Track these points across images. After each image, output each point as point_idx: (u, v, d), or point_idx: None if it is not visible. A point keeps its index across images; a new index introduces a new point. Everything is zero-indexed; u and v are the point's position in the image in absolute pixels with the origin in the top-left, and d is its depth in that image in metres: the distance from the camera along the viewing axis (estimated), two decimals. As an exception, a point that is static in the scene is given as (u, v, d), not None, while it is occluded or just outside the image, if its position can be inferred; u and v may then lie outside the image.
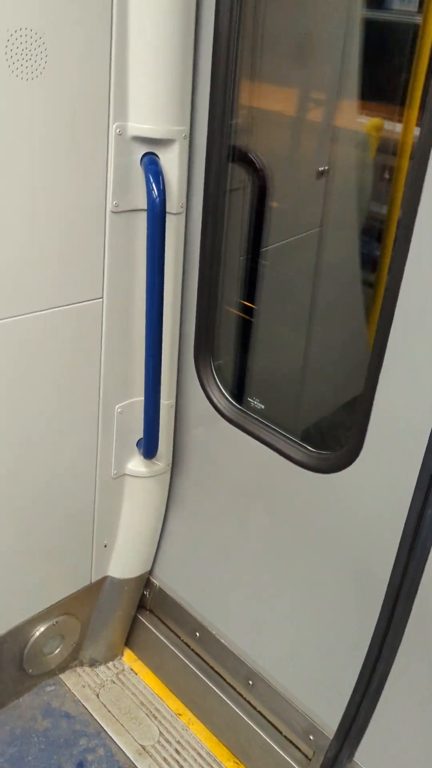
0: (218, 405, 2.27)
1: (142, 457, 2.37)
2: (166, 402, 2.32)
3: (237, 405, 2.26)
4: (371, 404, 1.81)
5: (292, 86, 2.35)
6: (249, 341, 2.49)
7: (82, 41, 1.68)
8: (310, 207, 2.67)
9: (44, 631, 2.47)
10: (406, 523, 1.83)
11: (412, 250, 1.59)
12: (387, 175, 3.39)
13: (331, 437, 2.30)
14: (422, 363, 1.67)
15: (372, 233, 3.35)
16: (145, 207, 1.94)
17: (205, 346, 2.27)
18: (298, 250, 2.69)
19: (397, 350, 1.71)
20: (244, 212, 2.35)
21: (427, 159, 1.46)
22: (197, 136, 1.97)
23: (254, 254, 2.46)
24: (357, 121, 2.93)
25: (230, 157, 2.06)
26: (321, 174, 2.61)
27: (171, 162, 1.95)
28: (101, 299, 2.05)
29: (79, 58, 1.70)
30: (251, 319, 2.48)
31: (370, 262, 3.27)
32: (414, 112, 2.90)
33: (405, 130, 2.97)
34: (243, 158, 2.18)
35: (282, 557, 2.24)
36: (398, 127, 3.04)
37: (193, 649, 2.60)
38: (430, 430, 1.69)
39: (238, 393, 2.38)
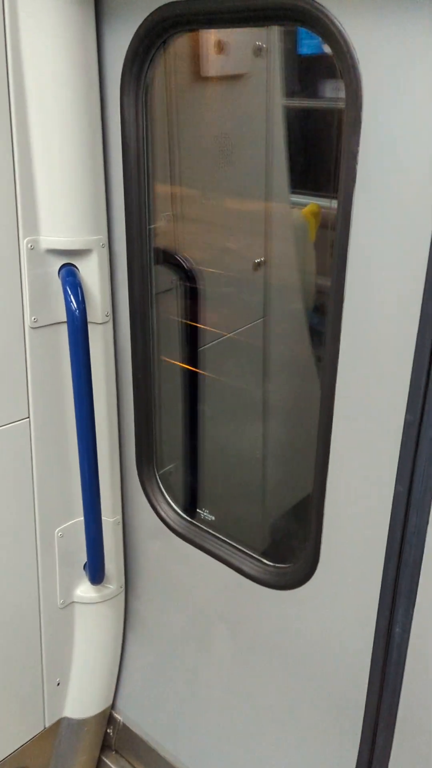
0: (167, 519, 2.11)
1: (90, 582, 2.17)
2: (111, 519, 2.15)
3: (186, 518, 2.09)
4: (322, 514, 1.66)
5: (215, 183, 2.32)
6: (195, 446, 2.35)
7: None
8: (251, 299, 2.61)
9: (-6, 791, 2.19)
10: (375, 639, 1.65)
11: (342, 345, 1.48)
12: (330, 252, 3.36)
13: (290, 547, 2.12)
14: (368, 466, 1.54)
15: (322, 311, 3.30)
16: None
17: (147, 457, 2.12)
18: (242, 344, 2.60)
19: (341, 457, 1.58)
20: (178, 312, 2.26)
21: (348, 233, 1.39)
22: (117, 243, 1.89)
23: (192, 353, 2.36)
24: (291, 209, 2.93)
25: (154, 260, 1.98)
26: (258, 265, 2.55)
27: (91, 271, 1.86)
28: (27, 419, 1.91)
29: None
30: (196, 422, 2.35)
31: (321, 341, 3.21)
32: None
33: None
34: (169, 260, 2.11)
35: (253, 683, 2.03)
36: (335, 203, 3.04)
37: (165, 793, 2.32)
38: (386, 537, 1.54)
39: (189, 503, 2.22)
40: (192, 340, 2.30)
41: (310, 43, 2.73)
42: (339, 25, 1.28)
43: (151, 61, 1.71)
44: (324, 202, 3.47)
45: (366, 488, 1.55)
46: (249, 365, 2.69)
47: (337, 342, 1.48)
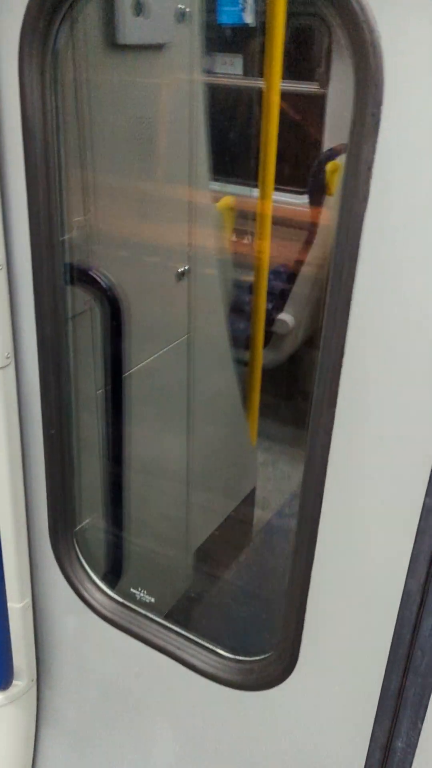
0: (87, 597, 1.70)
1: (-6, 682, 1.73)
2: (19, 605, 1.71)
3: (111, 595, 1.69)
4: (305, 602, 1.34)
5: (135, 180, 1.90)
6: (121, 500, 1.95)
7: None
8: (175, 313, 2.22)
9: None
10: (369, 753, 1.36)
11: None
12: (249, 241, 3.07)
13: (256, 631, 1.79)
14: (371, 555, 1.23)
15: (243, 310, 3.00)
16: None
17: (63, 523, 1.70)
18: (166, 366, 2.21)
19: (333, 536, 1.26)
20: (95, 338, 1.84)
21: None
22: (18, 263, 1.44)
23: (115, 383, 1.95)
24: (213, 206, 2.56)
25: (68, 279, 1.55)
26: (182, 275, 2.17)
27: (-16, 300, 1.41)
28: None
29: None
30: (120, 467, 1.94)
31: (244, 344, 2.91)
32: (270, 178, 2.58)
33: (263, 196, 2.65)
34: (84, 278, 1.68)
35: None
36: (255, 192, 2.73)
37: None
38: (390, 638, 1.25)
39: (114, 575, 1.83)
40: (114, 366, 1.88)
41: (230, 12, 2.35)
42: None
43: (62, 19, 1.27)
44: (233, 188, 3.14)
45: (366, 579, 1.24)
46: (175, 391, 2.32)
47: (332, 405, 1.15)
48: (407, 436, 1.11)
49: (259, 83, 2.53)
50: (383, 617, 1.23)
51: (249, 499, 3.27)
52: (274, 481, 3.90)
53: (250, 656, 1.51)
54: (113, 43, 1.62)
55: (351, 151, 0.99)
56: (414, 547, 1.15)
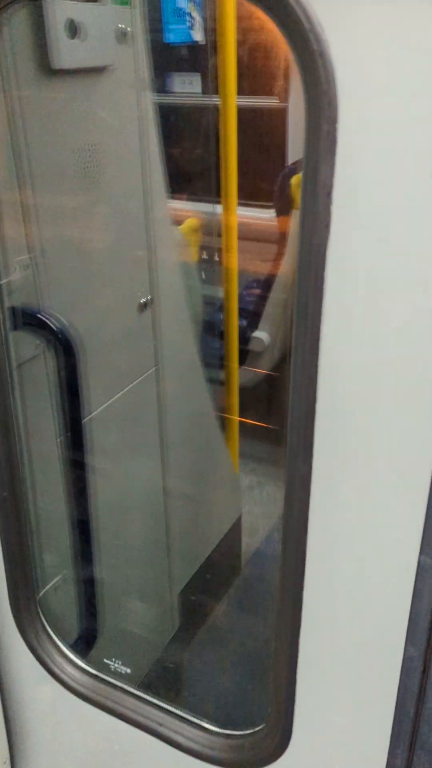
0: (56, 671, 1.55)
1: (-40, 772, 1.57)
2: (-17, 685, 1.56)
3: (83, 667, 1.54)
4: (294, 667, 1.20)
5: (84, 211, 1.77)
6: (91, 555, 1.80)
7: None
8: (140, 346, 2.09)
9: None
10: None
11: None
12: (217, 260, 2.98)
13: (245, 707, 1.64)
14: (361, 616, 1.09)
15: (217, 330, 2.90)
16: None
17: (24, 591, 1.55)
18: (134, 403, 2.08)
19: (318, 596, 1.13)
20: (50, 383, 1.70)
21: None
22: None
23: (75, 429, 1.81)
24: (173, 230, 2.44)
25: (13, 325, 1.42)
26: (144, 306, 2.04)
27: None
28: None
29: None
30: (89, 521, 1.80)
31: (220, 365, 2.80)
32: (233, 194, 2.48)
33: (227, 213, 2.55)
34: (32, 321, 1.54)
35: None
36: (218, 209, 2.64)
37: None
38: (393, 711, 1.11)
39: (86, 640, 1.68)
40: (71, 415, 1.75)
41: (177, 30, 2.25)
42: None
43: (-20, 44, 1.14)
44: (198, 206, 3.04)
45: (361, 647, 1.11)
46: (146, 428, 2.18)
47: (308, 457, 1.02)
48: (396, 486, 0.99)
49: (216, 101, 2.44)
50: (383, 688, 1.10)
51: (236, 528, 3.14)
52: (261, 504, 3.77)
53: (241, 729, 1.37)
54: (48, 69, 1.50)
55: (307, 175, 0.87)
56: (411, 611, 1.02)
